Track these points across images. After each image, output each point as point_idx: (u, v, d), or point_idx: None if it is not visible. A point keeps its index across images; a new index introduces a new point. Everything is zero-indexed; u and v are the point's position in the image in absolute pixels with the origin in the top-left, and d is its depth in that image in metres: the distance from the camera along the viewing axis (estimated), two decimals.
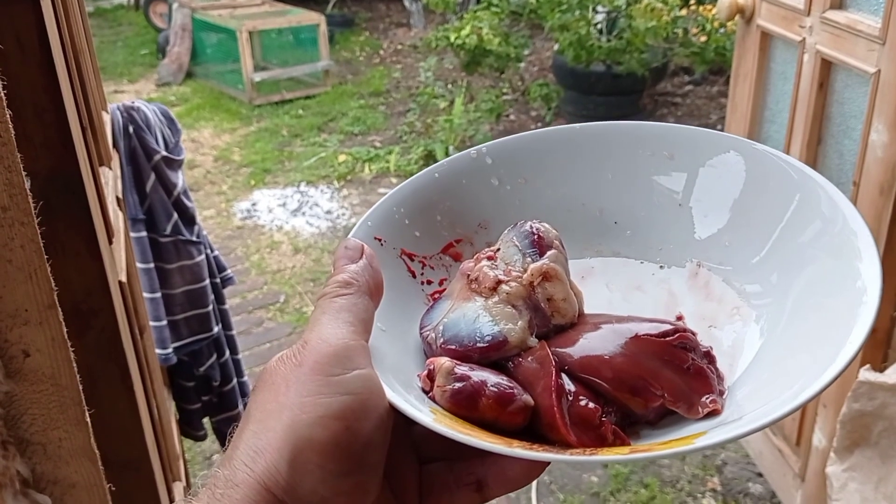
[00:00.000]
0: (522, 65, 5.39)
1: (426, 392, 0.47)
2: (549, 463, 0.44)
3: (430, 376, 0.47)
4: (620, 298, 0.56)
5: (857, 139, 1.65)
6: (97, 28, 7.24)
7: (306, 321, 3.36)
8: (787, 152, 1.85)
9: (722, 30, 4.05)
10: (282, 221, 4.10)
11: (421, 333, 0.52)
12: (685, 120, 5.04)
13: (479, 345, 0.48)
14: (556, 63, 5.10)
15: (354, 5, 7.68)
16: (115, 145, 1.29)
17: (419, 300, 0.55)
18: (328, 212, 4.18)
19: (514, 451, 0.41)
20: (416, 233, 0.57)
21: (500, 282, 0.50)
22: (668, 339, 0.47)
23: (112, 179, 1.16)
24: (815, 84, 1.74)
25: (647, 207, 0.59)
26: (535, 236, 0.51)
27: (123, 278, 0.94)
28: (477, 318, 0.49)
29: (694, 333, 0.49)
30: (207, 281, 1.45)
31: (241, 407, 1.62)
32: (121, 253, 0.99)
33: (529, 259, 0.51)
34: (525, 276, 0.50)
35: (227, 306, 1.56)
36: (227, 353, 1.54)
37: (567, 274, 0.51)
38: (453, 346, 0.49)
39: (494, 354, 0.48)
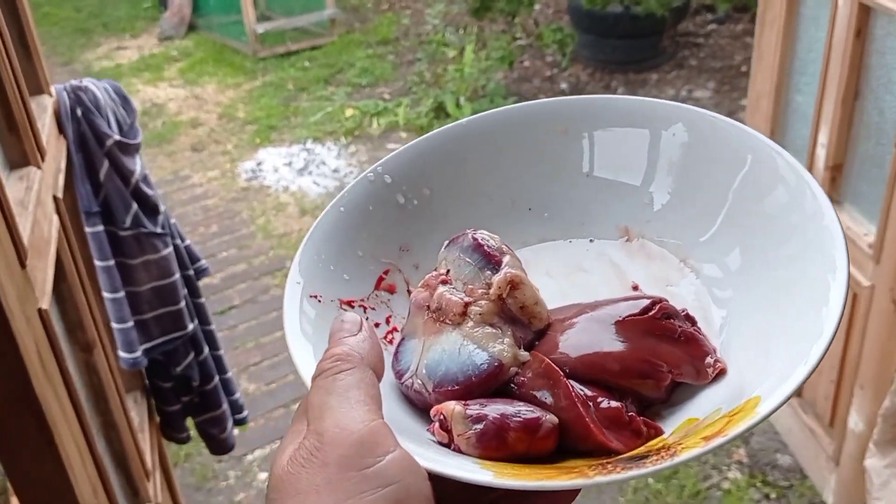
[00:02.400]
0: (537, 7, 5.13)
1: (446, 445, 0.44)
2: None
3: (444, 427, 0.44)
4: (568, 284, 0.55)
5: None
6: None
7: None
8: (820, 107, 1.67)
9: None
10: (288, 181, 3.97)
11: (402, 383, 0.49)
12: (708, 62, 4.80)
13: (476, 377, 0.46)
14: (571, 5, 4.84)
15: None
16: (62, 131, 1.15)
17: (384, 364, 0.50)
18: (335, 170, 4.04)
19: (601, 479, 0.39)
20: (345, 276, 0.54)
21: (467, 304, 0.48)
22: (651, 313, 0.46)
23: (53, 175, 1.02)
24: (852, 31, 1.55)
25: (556, 185, 0.58)
26: (484, 247, 0.50)
27: (45, 304, 0.80)
28: (460, 349, 0.47)
29: (666, 300, 0.48)
30: (177, 275, 1.32)
31: (225, 405, 1.51)
32: (46, 272, 0.85)
33: (488, 272, 0.49)
34: (492, 290, 0.48)
35: (202, 300, 1.43)
36: (206, 349, 1.42)
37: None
38: (450, 387, 0.46)
39: (495, 382, 0.46)
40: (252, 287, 3.28)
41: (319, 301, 0.51)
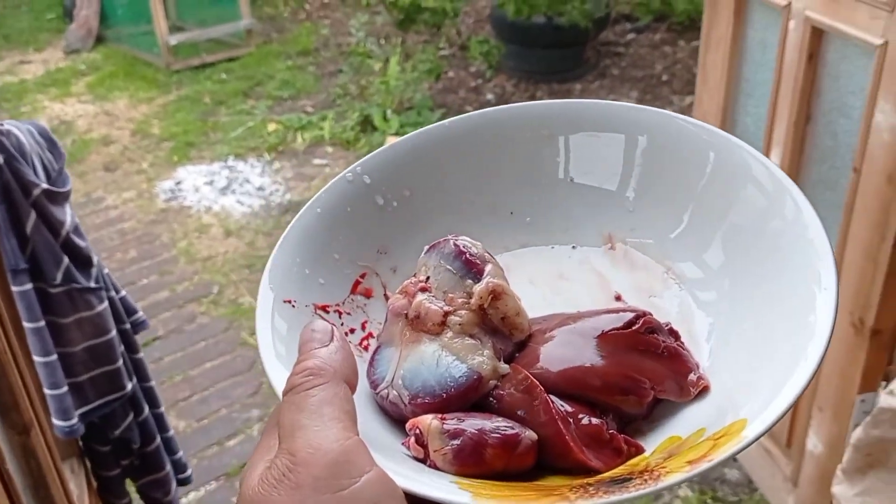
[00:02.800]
0: (459, 18, 5.10)
1: (421, 461, 0.43)
2: None
3: (420, 442, 0.43)
4: (550, 292, 0.54)
5: (857, 119, 1.47)
6: None
7: (244, 314, 3.13)
8: (771, 130, 1.66)
9: None
10: (210, 201, 3.80)
11: (377, 394, 0.47)
12: (630, 71, 4.86)
13: (454, 390, 0.44)
14: (494, 15, 4.83)
15: None
16: None
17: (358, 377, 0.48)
18: (260, 188, 3.89)
19: (580, 503, 0.37)
20: (321, 280, 0.53)
21: (447, 314, 0.47)
22: (634, 328, 0.45)
23: None
24: (804, 55, 1.55)
25: (538, 190, 0.57)
26: (466, 255, 0.48)
27: None
28: (438, 360, 0.45)
29: (650, 314, 0.46)
30: (114, 331, 1.20)
31: (168, 466, 1.38)
32: None
33: (470, 281, 0.48)
34: (473, 300, 0.47)
35: (141, 355, 1.31)
36: (147, 409, 1.30)
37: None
38: (427, 400, 0.44)
39: (474, 395, 0.44)
40: (177, 316, 3.12)
41: (293, 306, 0.50)
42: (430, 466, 0.43)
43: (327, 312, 0.52)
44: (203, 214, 3.71)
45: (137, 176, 4.04)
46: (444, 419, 0.43)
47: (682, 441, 0.42)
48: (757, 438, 0.38)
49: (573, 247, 0.56)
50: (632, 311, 0.47)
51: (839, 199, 1.52)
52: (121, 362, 1.22)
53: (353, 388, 0.42)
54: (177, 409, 2.71)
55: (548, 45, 4.64)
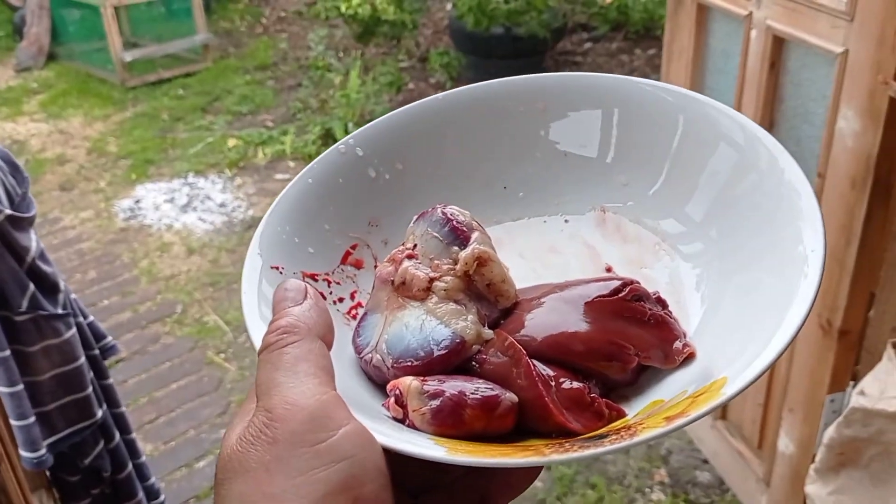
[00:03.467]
0: (418, 30, 5.11)
1: (400, 421, 0.42)
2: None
3: (400, 402, 0.42)
4: (541, 265, 0.54)
5: (819, 125, 1.50)
6: None
7: (209, 333, 3.08)
8: None
9: None
10: (171, 219, 3.74)
11: (361, 358, 0.47)
12: None
13: (437, 353, 0.44)
14: (452, 27, 4.84)
15: None
16: None
17: (337, 322, 0.48)
18: (222, 205, 3.84)
19: (556, 457, 0.37)
20: (310, 249, 0.53)
21: (432, 280, 0.47)
22: (621, 295, 0.45)
23: None
24: (766, 63, 1.57)
25: (532, 164, 0.57)
26: (453, 222, 0.48)
27: None
28: (422, 324, 0.46)
29: (638, 282, 0.47)
30: (83, 358, 1.17)
31: (140, 494, 1.34)
32: None
33: (456, 248, 0.47)
34: (459, 266, 0.47)
35: (110, 381, 1.28)
36: (118, 435, 1.27)
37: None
38: (409, 363, 0.44)
39: (456, 359, 0.44)
40: (140, 337, 3.06)
41: (281, 273, 0.50)
42: (408, 427, 0.42)
43: (316, 281, 0.52)
44: (164, 233, 3.65)
45: (95, 195, 3.96)
46: (425, 380, 0.43)
47: (664, 403, 0.42)
48: (735, 395, 0.38)
49: (566, 220, 0.56)
50: (619, 279, 0.47)
51: None
52: (90, 389, 1.19)
53: (329, 345, 0.41)
54: (143, 432, 2.65)
55: (507, 55, 4.67)
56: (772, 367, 1.46)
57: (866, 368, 1.43)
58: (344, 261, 0.54)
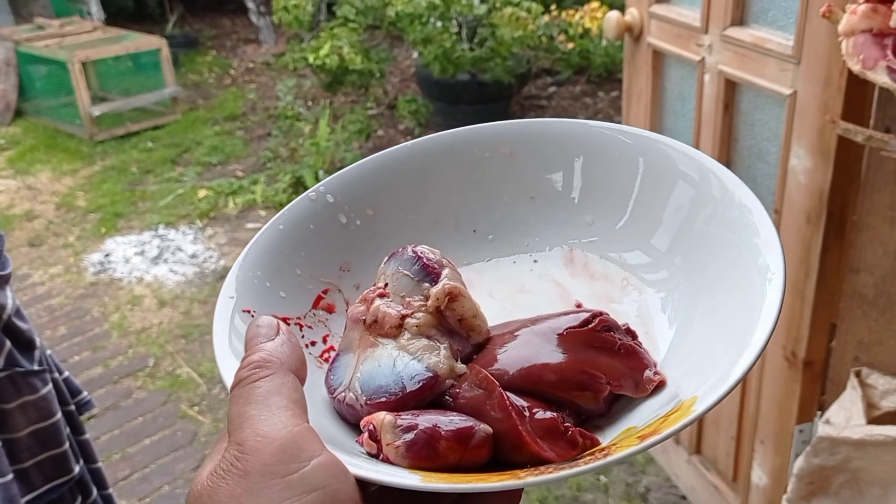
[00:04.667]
0: (385, 78, 5.19)
1: (374, 456, 0.42)
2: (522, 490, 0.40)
3: (374, 437, 0.42)
4: (511, 305, 0.54)
5: (773, 163, 1.56)
6: None
7: (182, 386, 3.06)
8: None
9: (585, 35, 4.00)
10: (142, 272, 3.72)
11: (334, 398, 0.47)
12: None
13: (410, 388, 0.44)
14: (419, 74, 4.93)
15: (196, 23, 7.23)
16: None
17: (310, 365, 0.48)
18: (193, 256, 3.84)
19: (532, 479, 0.38)
20: (282, 293, 0.53)
21: (404, 316, 0.47)
22: (591, 325, 0.46)
23: None
24: (720, 105, 1.64)
25: (501, 208, 0.58)
26: (423, 260, 0.49)
27: None
28: (395, 361, 0.46)
29: (607, 314, 0.47)
30: (59, 414, 1.17)
31: None
32: None
33: (427, 284, 0.48)
34: (430, 302, 0.47)
35: (87, 436, 1.28)
36: (95, 490, 1.26)
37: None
38: (383, 399, 0.45)
39: (430, 394, 0.44)
40: (112, 392, 3.02)
41: (252, 316, 0.50)
42: (382, 461, 0.42)
43: (288, 324, 0.52)
44: (135, 286, 3.63)
45: (64, 250, 3.94)
46: (399, 415, 0.43)
47: (637, 428, 0.43)
48: (706, 411, 0.39)
49: (534, 260, 0.57)
50: (588, 311, 0.48)
51: None
52: (67, 445, 1.18)
53: (302, 380, 0.41)
54: (117, 489, 2.61)
55: (473, 101, 4.75)
56: (742, 400, 1.48)
57: (832, 398, 1.47)
58: (315, 305, 0.55)
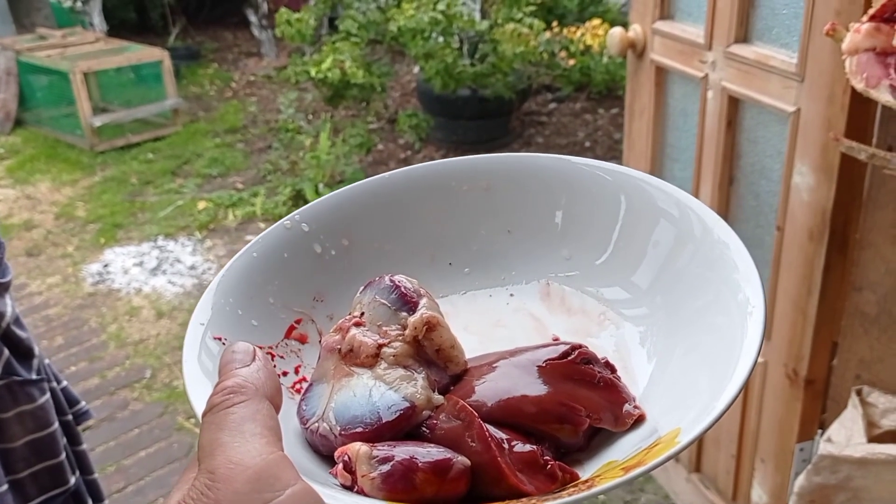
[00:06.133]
0: (386, 92, 5.20)
1: (349, 488, 0.41)
2: None
3: (348, 468, 0.41)
4: (487, 339, 0.53)
5: (776, 180, 1.56)
6: None
7: (179, 398, 3.04)
8: (697, 192, 1.74)
9: (586, 52, 4.02)
10: (140, 283, 3.71)
11: (307, 429, 0.46)
12: (554, 139, 5.01)
13: (386, 419, 0.43)
14: (420, 89, 4.94)
15: (199, 35, 7.26)
16: None
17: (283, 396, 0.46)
18: (192, 267, 3.83)
19: None
20: (254, 322, 0.52)
21: (380, 346, 0.46)
22: (570, 358, 0.46)
23: None
24: (723, 122, 1.64)
25: (477, 241, 0.58)
26: (401, 289, 0.48)
27: None
28: (370, 391, 0.45)
29: (586, 346, 0.47)
30: (56, 424, 1.16)
31: None
32: None
33: (404, 314, 0.47)
34: (407, 331, 0.47)
35: (84, 447, 1.27)
36: (90, 502, 1.25)
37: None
38: (358, 429, 0.43)
39: (406, 424, 0.44)
40: (108, 403, 3.01)
41: (223, 343, 0.49)
42: (357, 493, 0.41)
43: None
44: (133, 297, 3.62)
45: (62, 260, 3.93)
46: (375, 446, 0.42)
47: (618, 462, 0.42)
48: (690, 443, 0.39)
49: (511, 294, 0.57)
50: (567, 343, 0.48)
51: (766, 257, 1.59)
52: (63, 455, 1.17)
53: (277, 408, 0.40)
54: (112, 501, 2.59)
55: (474, 116, 4.76)
56: (743, 418, 1.47)
57: (833, 416, 1.46)
58: (288, 335, 0.54)
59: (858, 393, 1.41)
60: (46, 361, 1.21)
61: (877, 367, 1.43)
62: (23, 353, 1.12)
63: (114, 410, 2.97)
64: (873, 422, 1.40)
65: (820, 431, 1.61)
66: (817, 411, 1.59)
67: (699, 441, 1.96)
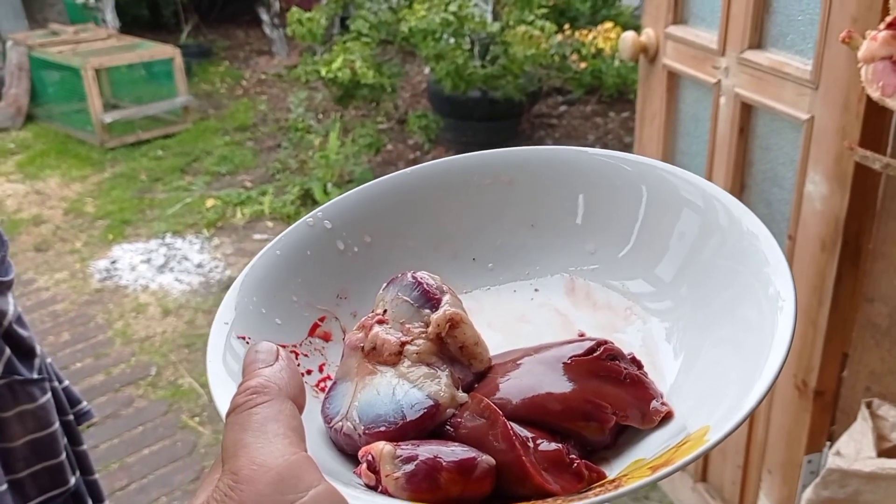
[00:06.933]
0: (396, 93, 5.20)
1: (373, 488, 0.41)
2: None
3: (372, 468, 0.41)
4: (513, 334, 0.53)
5: (789, 188, 1.54)
6: None
7: (183, 396, 3.04)
8: None
9: (598, 55, 4.00)
10: (147, 280, 3.72)
11: (331, 427, 0.46)
12: (564, 141, 4.99)
13: (410, 417, 0.43)
14: (430, 90, 4.93)
15: (210, 33, 7.27)
16: None
17: (307, 394, 0.45)
18: (199, 265, 3.83)
19: None
20: (277, 320, 0.52)
21: (404, 343, 0.46)
22: (595, 354, 0.45)
23: None
24: (736, 128, 1.62)
25: (501, 236, 0.58)
26: (423, 286, 0.48)
27: None
28: (394, 389, 0.44)
29: (612, 342, 0.46)
30: (57, 424, 1.15)
31: None
32: None
33: (427, 311, 0.47)
34: (431, 328, 0.46)
35: (84, 447, 1.26)
36: (90, 502, 1.24)
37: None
38: (382, 428, 0.43)
39: (430, 423, 0.43)
40: (113, 400, 3.00)
41: (247, 343, 0.49)
42: (381, 493, 0.41)
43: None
44: (140, 293, 3.62)
45: (70, 256, 3.93)
46: (399, 445, 0.41)
47: (646, 460, 0.41)
48: (720, 441, 0.38)
49: (535, 289, 0.56)
50: (592, 339, 0.47)
51: None
52: (63, 456, 1.16)
53: (300, 408, 0.40)
54: (114, 499, 2.59)
55: (484, 117, 4.75)
56: (750, 428, 1.45)
57: (842, 429, 1.44)
58: (312, 333, 0.54)
59: (868, 405, 1.39)
60: (48, 360, 1.20)
61: (887, 380, 1.41)
62: (24, 352, 1.11)
63: (118, 407, 2.97)
64: (883, 435, 1.38)
65: (829, 443, 1.59)
66: (826, 423, 1.56)
67: None
